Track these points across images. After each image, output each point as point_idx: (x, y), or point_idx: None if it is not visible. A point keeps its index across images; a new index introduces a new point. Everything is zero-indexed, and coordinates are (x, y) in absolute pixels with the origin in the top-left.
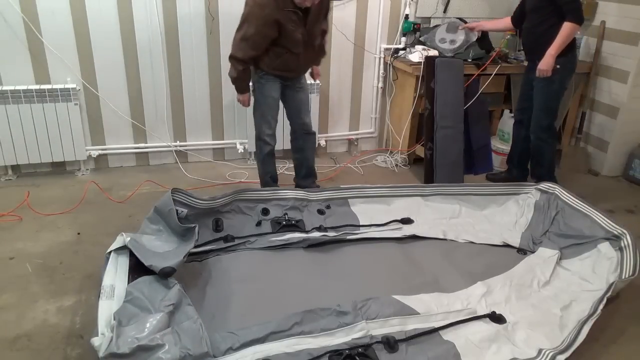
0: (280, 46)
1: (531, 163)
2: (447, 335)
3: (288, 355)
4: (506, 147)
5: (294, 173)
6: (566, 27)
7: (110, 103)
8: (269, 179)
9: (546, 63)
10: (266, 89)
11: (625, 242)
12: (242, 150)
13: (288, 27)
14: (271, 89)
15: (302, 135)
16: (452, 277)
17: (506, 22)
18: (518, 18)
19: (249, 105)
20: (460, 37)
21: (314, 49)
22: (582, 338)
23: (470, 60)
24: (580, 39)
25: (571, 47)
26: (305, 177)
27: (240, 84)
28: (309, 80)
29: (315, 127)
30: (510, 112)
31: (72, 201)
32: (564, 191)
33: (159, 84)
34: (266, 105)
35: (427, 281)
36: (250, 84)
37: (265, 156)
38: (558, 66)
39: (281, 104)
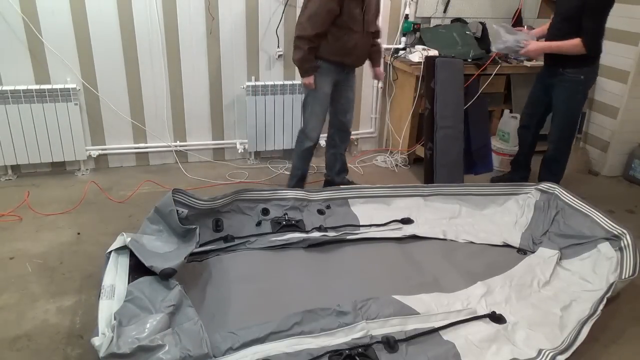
0: (340, 26)
1: (543, 171)
2: (447, 335)
3: (288, 355)
4: (506, 147)
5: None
6: (575, 42)
7: (110, 103)
8: (299, 174)
9: (534, 50)
10: (319, 83)
11: (625, 242)
12: (242, 150)
13: (349, 4)
14: (324, 83)
15: (339, 132)
16: (452, 277)
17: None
18: None
19: (315, 86)
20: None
21: (369, 38)
22: (582, 338)
23: (470, 60)
24: None
25: (597, 57)
26: (340, 172)
27: (306, 65)
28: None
29: None
30: (511, 112)
31: (72, 201)
32: (564, 191)
33: (159, 84)
34: (317, 100)
35: (427, 281)
36: None
37: (303, 151)
38: (582, 77)
39: None
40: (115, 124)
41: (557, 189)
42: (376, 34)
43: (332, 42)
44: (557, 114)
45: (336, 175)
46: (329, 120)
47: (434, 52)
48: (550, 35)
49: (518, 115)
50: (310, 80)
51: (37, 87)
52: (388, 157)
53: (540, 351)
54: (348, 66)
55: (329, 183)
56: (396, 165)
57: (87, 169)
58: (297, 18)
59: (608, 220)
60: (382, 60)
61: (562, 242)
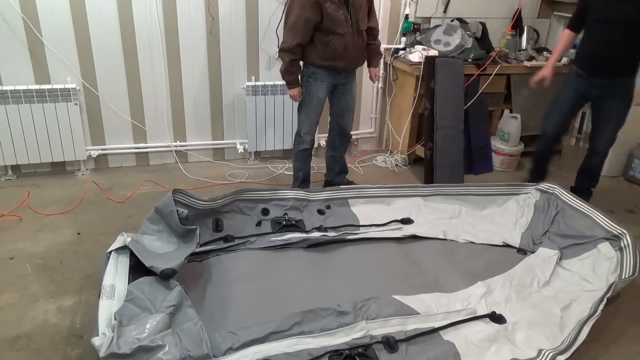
0: (325, 31)
1: (583, 179)
2: (447, 335)
3: (288, 355)
4: (506, 147)
5: (309, 173)
6: None
7: (110, 103)
8: (301, 175)
9: None
10: (314, 88)
11: (625, 242)
12: (242, 150)
13: (329, 8)
14: (318, 89)
15: (339, 134)
16: (452, 277)
17: (570, 36)
18: (580, 25)
19: (300, 99)
20: (455, 41)
21: (361, 37)
22: (582, 338)
23: (470, 60)
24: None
25: None
26: (339, 173)
27: (288, 78)
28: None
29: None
30: (511, 112)
31: (72, 201)
32: (563, 191)
33: (159, 84)
34: (311, 105)
35: (427, 281)
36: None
37: (299, 152)
38: (634, 82)
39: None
40: (115, 124)
41: (557, 189)
42: (372, 31)
43: (320, 48)
44: (609, 123)
45: (336, 176)
46: (329, 122)
47: (434, 52)
48: (610, 44)
49: (518, 116)
50: (294, 92)
51: (37, 87)
52: (388, 157)
53: (540, 351)
54: (343, 70)
55: (328, 184)
56: (396, 165)
57: (87, 169)
58: None
59: (608, 220)
60: (379, 61)
61: (562, 242)
